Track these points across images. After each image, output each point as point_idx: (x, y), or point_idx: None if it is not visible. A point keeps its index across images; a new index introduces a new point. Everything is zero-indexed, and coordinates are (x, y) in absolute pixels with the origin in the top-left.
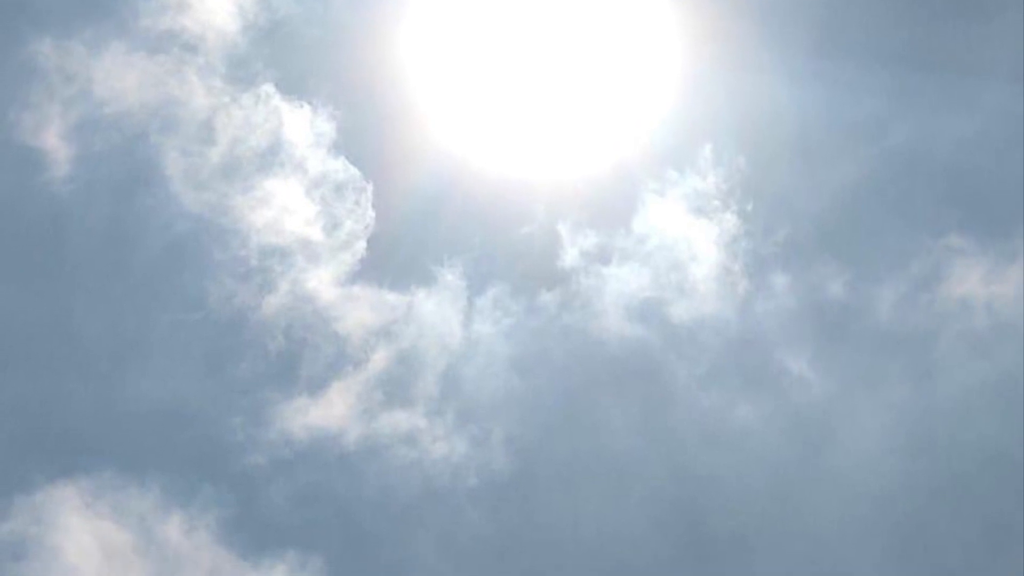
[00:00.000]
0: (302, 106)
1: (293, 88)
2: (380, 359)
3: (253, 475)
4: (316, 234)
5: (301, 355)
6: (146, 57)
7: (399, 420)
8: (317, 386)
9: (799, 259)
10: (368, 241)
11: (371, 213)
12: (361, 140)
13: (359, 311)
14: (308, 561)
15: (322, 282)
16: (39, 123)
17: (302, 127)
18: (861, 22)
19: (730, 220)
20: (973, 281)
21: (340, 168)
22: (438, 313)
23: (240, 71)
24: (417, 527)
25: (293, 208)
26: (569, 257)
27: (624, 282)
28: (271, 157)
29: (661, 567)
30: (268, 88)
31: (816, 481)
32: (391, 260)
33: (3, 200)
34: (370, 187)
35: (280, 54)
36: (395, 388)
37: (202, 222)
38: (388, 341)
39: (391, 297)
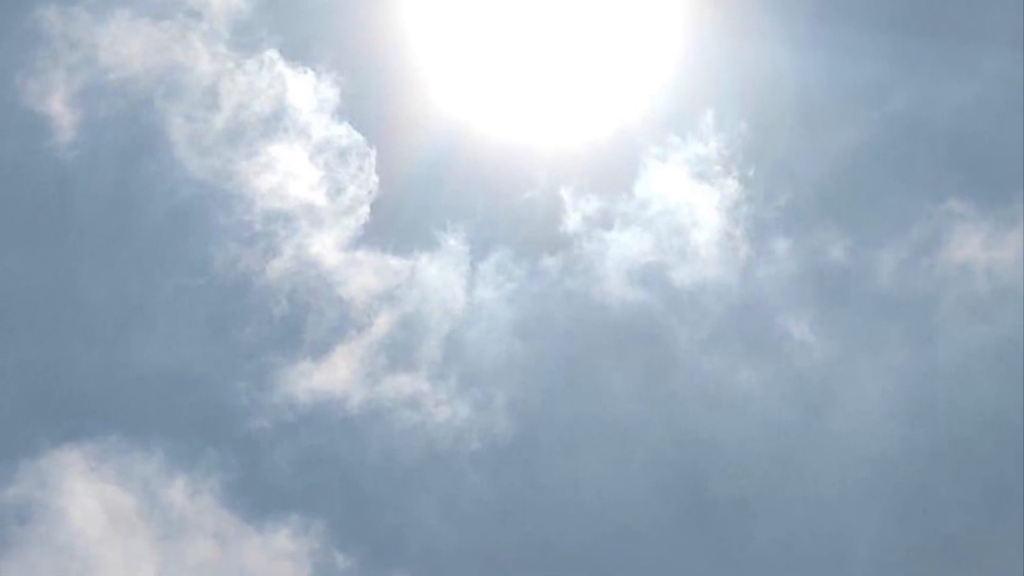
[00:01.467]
0: (306, 72)
1: (297, 54)
2: (383, 323)
3: (257, 439)
4: (320, 199)
5: (305, 319)
6: (150, 23)
7: (402, 384)
8: (321, 350)
9: (800, 224)
10: (371, 206)
11: (374, 178)
12: (364, 106)
13: (362, 276)
14: (311, 524)
15: (326, 247)
16: (44, 89)
17: (306, 93)
18: None
19: (731, 185)
20: (973, 246)
21: (344, 133)
22: (441, 278)
23: (244, 37)
24: (420, 491)
25: (297, 173)
26: (571, 222)
27: (626, 247)
28: (275, 123)
29: (662, 530)
30: (272, 54)
31: (817, 445)
32: (394, 225)
33: (8, 166)
34: (373, 152)
35: (284, 20)
36: (398, 352)
37: (206, 187)
38: (391, 306)
39: (394, 262)
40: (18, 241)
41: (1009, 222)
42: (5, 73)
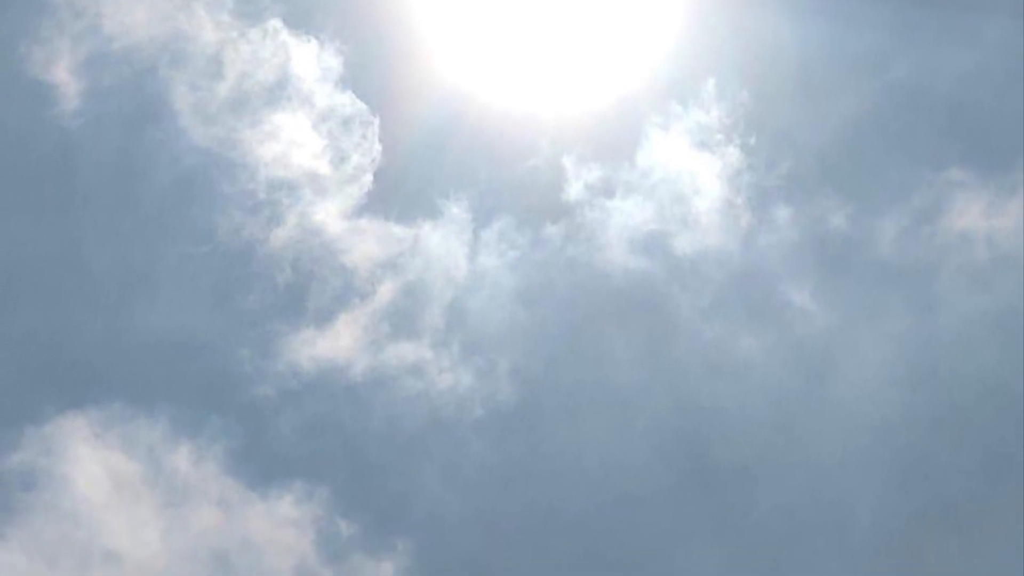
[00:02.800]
0: (309, 41)
1: (300, 23)
2: (387, 291)
3: (261, 406)
4: (323, 167)
5: (308, 287)
6: None
7: (405, 352)
8: (324, 318)
9: (801, 192)
10: (375, 174)
11: (378, 147)
12: (368, 74)
13: (366, 244)
14: (315, 491)
15: (329, 215)
16: (49, 57)
17: (309, 61)
18: None
19: (733, 153)
20: (974, 214)
21: (347, 102)
22: (444, 246)
23: (248, 6)
24: (423, 458)
25: (301, 142)
26: (574, 190)
27: (628, 215)
28: (279, 91)
29: (664, 496)
30: (276, 23)
31: (818, 412)
32: (398, 193)
33: (13, 134)
34: (377, 121)
35: None
36: (401, 320)
37: (210, 156)
38: (395, 273)
39: (398, 230)
40: (22, 209)
41: (1009, 190)
42: (10, 41)
